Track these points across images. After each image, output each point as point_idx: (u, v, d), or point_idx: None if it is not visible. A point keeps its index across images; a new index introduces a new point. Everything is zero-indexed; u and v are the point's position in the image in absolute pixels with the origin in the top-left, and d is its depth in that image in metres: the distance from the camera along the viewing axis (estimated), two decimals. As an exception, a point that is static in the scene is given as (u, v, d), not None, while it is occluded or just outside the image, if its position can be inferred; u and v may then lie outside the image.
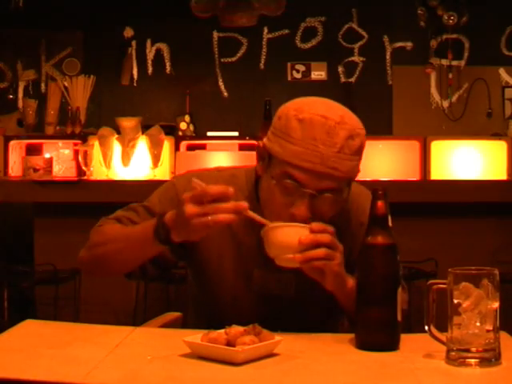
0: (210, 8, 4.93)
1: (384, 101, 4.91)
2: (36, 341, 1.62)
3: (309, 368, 1.44)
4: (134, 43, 4.98)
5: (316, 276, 1.66)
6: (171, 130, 4.32)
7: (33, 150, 4.34)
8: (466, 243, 3.89)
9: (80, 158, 4.01)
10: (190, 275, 2.01)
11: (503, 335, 1.51)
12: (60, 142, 4.26)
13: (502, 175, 4.11)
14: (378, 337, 1.55)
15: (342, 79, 4.92)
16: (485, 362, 1.43)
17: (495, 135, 4.44)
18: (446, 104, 4.91)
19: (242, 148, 4.13)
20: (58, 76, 4.88)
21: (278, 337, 1.50)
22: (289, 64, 4.97)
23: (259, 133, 3.78)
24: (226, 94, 4.98)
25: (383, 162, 4.22)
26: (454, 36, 4.88)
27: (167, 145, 4.08)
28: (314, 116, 1.64)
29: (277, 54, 4.96)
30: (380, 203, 1.57)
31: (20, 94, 4.93)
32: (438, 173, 4.14)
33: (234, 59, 4.99)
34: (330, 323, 1.86)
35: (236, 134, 4.43)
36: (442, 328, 1.50)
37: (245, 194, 1.83)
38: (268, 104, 4.20)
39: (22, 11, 4.63)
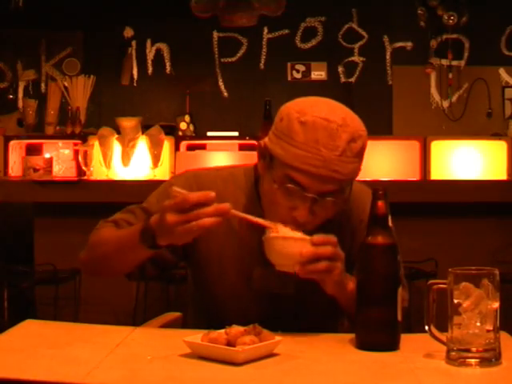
0: (210, 8, 4.93)
1: (384, 101, 4.91)
2: (36, 341, 1.62)
3: (309, 368, 1.44)
4: (134, 43, 4.98)
5: (316, 280, 1.66)
6: (171, 130, 4.32)
7: (33, 150, 4.34)
8: (466, 243, 3.89)
9: (80, 158, 4.01)
10: (190, 275, 2.01)
11: (503, 335, 1.51)
12: (60, 142, 4.25)
13: (502, 175, 4.11)
14: (378, 337, 1.55)
15: (342, 79, 4.92)
16: (485, 361, 1.43)
17: (495, 135, 4.44)
18: (446, 104, 4.91)
19: (242, 148, 4.13)
20: (58, 76, 4.88)
21: (278, 337, 1.50)
22: (289, 64, 4.97)
23: (259, 133, 3.78)
24: (226, 93, 4.98)
25: (383, 162, 4.22)
26: (454, 36, 4.88)
27: (167, 145, 4.08)
28: (316, 119, 1.64)
29: (277, 54, 4.96)
30: (380, 203, 1.57)
31: (20, 94, 4.93)
32: (437, 173, 4.14)
33: (233, 59, 4.99)
34: (329, 323, 1.86)
35: (236, 134, 4.43)
36: (442, 328, 1.50)
37: (244, 192, 1.83)
38: (268, 104, 4.20)
39: (22, 11, 4.63)
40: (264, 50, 4.97)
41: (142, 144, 4.07)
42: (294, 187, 1.66)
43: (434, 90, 4.93)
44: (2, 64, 4.95)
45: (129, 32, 4.96)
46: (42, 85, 4.95)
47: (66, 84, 4.45)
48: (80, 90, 4.40)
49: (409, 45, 4.94)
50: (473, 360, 1.43)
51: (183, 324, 2.08)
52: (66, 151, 4.18)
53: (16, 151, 4.30)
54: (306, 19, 4.97)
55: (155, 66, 5.00)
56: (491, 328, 1.43)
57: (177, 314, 2.14)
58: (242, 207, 1.80)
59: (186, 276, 2.07)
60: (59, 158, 4.15)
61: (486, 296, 1.43)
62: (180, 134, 4.63)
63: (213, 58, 5.00)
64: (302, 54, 4.97)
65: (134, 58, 4.98)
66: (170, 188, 1.85)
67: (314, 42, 4.97)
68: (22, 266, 3.81)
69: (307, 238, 1.61)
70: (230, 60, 4.99)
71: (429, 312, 1.51)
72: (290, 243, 1.62)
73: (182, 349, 1.50)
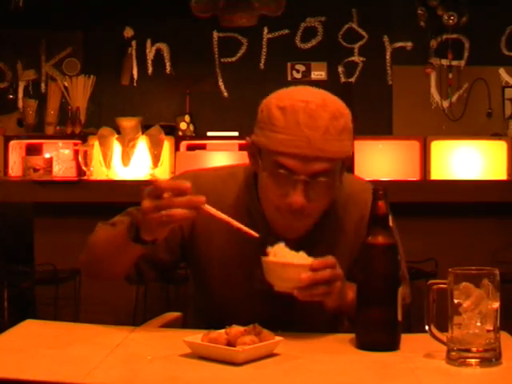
0: (210, 8, 4.93)
1: (384, 101, 4.91)
2: (36, 341, 1.62)
3: (309, 368, 1.44)
4: (134, 43, 4.98)
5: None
6: (171, 130, 4.32)
7: (33, 150, 4.34)
8: (466, 243, 3.89)
9: (80, 158, 4.01)
10: (191, 275, 2.01)
11: (503, 335, 1.51)
12: (60, 142, 4.26)
13: (502, 175, 4.11)
14: (379, 337, 1.55)
15: (342, 79, 4.92)
16: (485, 361, 1.43)
17: (495, 135, 4.44)
18: (446, 104, 4.91)
19: (242, 148, 4.13)
20: (58, 76, 4.87)
21: (278, 337, 1.50)
22: (289, 64, 4.97)
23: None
24: (226, 93, 4.97)
25: (383, 161, 4.23)
26: (454, 36, 4.87)
27: (167, 145, 4.08)
28: (294, 102, 1.65)
29: (277, 54, 4.96)
30: (381, 203, 1.57)
31: (20, 94, 4.93)
32: (437, 173, 4.14)
33: (233, 59, 4.99)
34: (330, 323, 1.86)
35: (236, 133, 4.43)
36: (442, 328, 1.50)
37: (244, 191, 1.83)
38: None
39: (22, 11, 4.63)
40: (264, 49, 4.96)
41: (142, 144, 4.07)
42: (283, 172, 1.66)
43: (434, 90, 4.93)
44: (2, 64, 4.94)
45: (129, 32, 4.96)
46: (42, 85, 4.95)
47: (66, 84, 4.45)
48: (80, 90, 4.40)
49: (409, 45, 4.94)
50: (473, 360, 1.43)
51: (183, 324, 2.08)
52: (66, 151, 4.18)
53: (16, 151, 4.30)
54: (306, 19, 4.97)
55: (155, 65, 5.00)
56: (491, 328, 1.43)
57: (177, 314, 2.14)
58: (242, 206, 1.80)
59: (186, 276, 2.07)
60: (59, 157, 4.15)
61: (487, 296, 1.43)
62: (180, 133, 4.62)
63: (213, 57, 4.99)
64: (302, 54, 4.97)
65: (134, 57, 4.98)
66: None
67: (314, 42, 4.97)
68: (22, 266, 3.81)
69: (306, 263, 1.60)
70: (229, 60, 4.99)
71: (429, 312, 1.51)
72: (288, 269, 1.61)
73: (182, 349, 1.50)
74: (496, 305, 1.44)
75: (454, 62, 4.89)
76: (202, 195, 1.60)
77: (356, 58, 4.94)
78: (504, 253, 3.81)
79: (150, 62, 4.99)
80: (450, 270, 1.48)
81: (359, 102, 4.42)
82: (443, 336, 1.49)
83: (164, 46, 4.99)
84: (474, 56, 4.89)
